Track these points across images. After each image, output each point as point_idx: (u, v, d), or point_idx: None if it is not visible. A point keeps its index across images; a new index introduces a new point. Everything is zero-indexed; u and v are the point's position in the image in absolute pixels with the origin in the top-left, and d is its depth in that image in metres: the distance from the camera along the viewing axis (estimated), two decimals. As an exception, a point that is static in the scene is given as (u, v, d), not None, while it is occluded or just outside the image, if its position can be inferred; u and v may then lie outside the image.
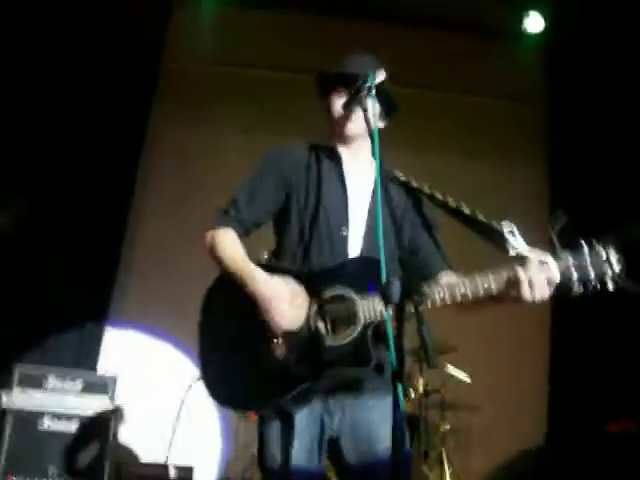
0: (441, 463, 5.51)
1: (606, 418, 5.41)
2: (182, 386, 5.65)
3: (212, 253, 2.40)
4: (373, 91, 2.15)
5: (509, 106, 6.77)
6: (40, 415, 4.81)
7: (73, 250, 5.92)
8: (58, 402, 4.88)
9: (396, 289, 1.71)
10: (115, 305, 6.23)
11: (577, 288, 1.98)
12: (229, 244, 2.38)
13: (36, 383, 4.94)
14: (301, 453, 2.21)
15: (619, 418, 5.31)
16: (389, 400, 2.18)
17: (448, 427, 5.70)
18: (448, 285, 2.10)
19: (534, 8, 6.61)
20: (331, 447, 2.29)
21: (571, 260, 1.99)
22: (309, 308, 2.19)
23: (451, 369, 5.64)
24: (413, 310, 1.67)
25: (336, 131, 2.50)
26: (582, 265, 1.98)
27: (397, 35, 6.70)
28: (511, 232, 2.02)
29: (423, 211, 2.47)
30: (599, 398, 5.70)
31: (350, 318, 2.12)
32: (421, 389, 5.56)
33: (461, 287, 2.08)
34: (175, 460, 5.02)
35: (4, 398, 4.76)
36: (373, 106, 2.15)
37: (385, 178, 1.97)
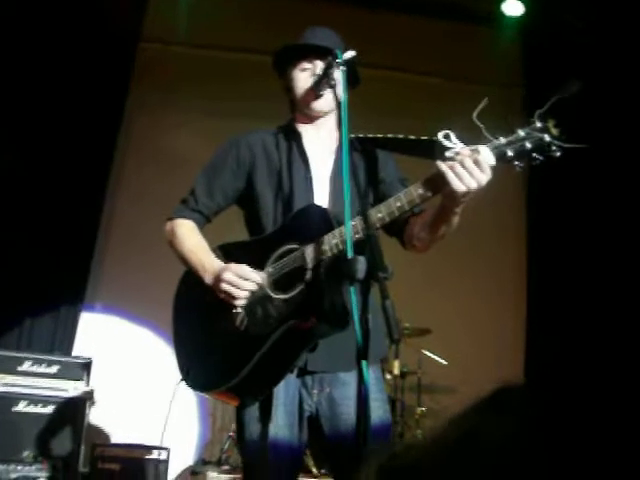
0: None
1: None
2: (157, 370, 5.68)
3: (171, 245, 2.44)
4: (343, 67, 2.14)
5: (487, 90, 6.79)
6: (15, 399, 4.79)
7: (49, 234, 5.91)
8: (33, 386, 4.86)
9: (362, 265, 1.70)
10: (91, 289, 6.20)
11: (517, 162, 1.87)
12: (188, 236, 2.41)
13: (11, 367, 4.92)
14: (281, 428, 2.21)
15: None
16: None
17: (424, 409, 5.75)
18: (384, 203, 2.03)
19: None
20: (311, 425, 2.29)
21: (504, 139, 1.88)
22: (262, 272, 2.20)
23: (427, 352, 5.70)
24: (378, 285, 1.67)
25: (300, 107, 2.50)
26: (517, 140, 1.86)
27: (375, 19, 6.70)
28: (446, 136, 1.93)
29: (388, 168, 2.48)
30: (574, 378, 5.76)
31: (300, 269, 2.11)
32: (397, 371, 5.60)
33: (397, 201, 2.00)
34: (151, 441, 5.01)
35: (-22, 382, 4.74)
36: (343, 82, 2.14)
37: (349, 148, 1.95)
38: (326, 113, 2.46)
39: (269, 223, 2.37)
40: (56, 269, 5.85)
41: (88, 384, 5.04)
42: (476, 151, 1.88)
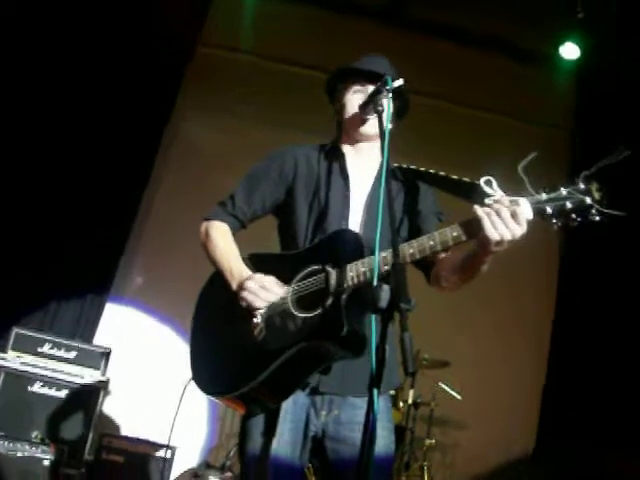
0: (422, 477, 5.51)
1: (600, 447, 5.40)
2: (174, 368, 5.70)
3: (204, 246, 2.46)
4: (391, 94, 2.15)
5: (536, 130, 6.75)
6: (31, 379, 4.87)
7: (85, 223, 6.00)
8: (50, 368, 4.92)
9: (385, 294, 1.69)
10: (119, 281, 6.26)
11: (555, 221, 1.85)
12: (221, 239, 2.43)
13: (31, 347, 5.00)
14: (285, 445, 2.20)
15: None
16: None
17: (433, 442, 5.69)
18: (417, 239, 2.03)
19: (570, 36, 6.58)
20: (315, 446, 2.28)
21: (545, 195, 1.86)
22: (287, 287, 2.21)
23: (443, 385, 5.65)
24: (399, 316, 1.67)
25: (347, 129, 2.51)
26: (558, 198, 1.85)
27: (433, 47, 6.72)
28: (488, 182, 1.91)
29: (426, 201, 2.47)
30: (592, 424, 5.67)
31: (325, 291, 2.11)
32: (410, 400, 5.56)
33: (430, 239, 1.99)
34: (159, 438, 5.03)
35: (-2, 357, 4.83)
36: (389, 109, 2.14)
37: (388, 176, 1.96)
38: (370, 137, 2.46)
39: (301, 236, 2.38)
40: (87, 257, 5.93)
41: (104, 374, 5.10)
42: (515, 203, 1.87)
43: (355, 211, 2.40)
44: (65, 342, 5.12)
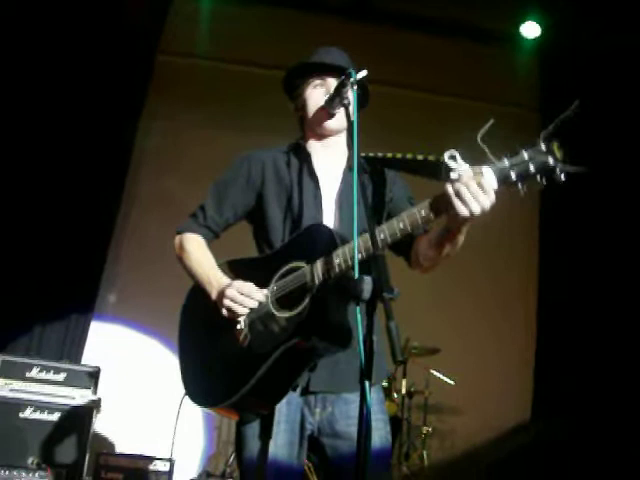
0: (422, 465, 5.53)
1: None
2: (165, 381, 5.69)
3: (180, 259, 2.46)
4: (356, 86, 2.14)
5: (503, 111, 6.78)
6: (22, 405, 4.80)
7: (62, 243, 5.96)
8: (40, 393, 4.87)
9: (367, 285, 1.70)
10: (101, 299, 6.23)
11: (521, 186, 1.80)
12: (196, 251, 2.42)
13: (19, 373, 4.93)
14: (282, 446, 2.20)
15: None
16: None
17: (430, 429, 5.72)
18: (387, 223, 2.00)
19: (531, 15, 6.63)
20: (312, 445, 2.28)
21: (507, 162, 1.81)
22: (266, 290, 2.20)
23: (435, 372, 5.68)
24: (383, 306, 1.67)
25: (312, 125, 2.50)
26: (520, 163, 1.80)
27: (390, 37, 6.73)
28: (452, 157, 1.87)
29: (396, 188, 2.47)
30: (583, 402, 5.72)
31: (303, 287, 2.11)
32: (404, 390, 5.58)
33: (399, 222, 1.97)
34: (156, 452, 5.01)
35: (-15, 386, 4.77)
36: (355, 101, 2.14)
37: (359, 168, 1.95)
38: (338, 132, 2.46)
39: (277, 241, 2.38)
40: (68, 278, 5.90)
41: (95, 393, 5.04)
42: (480, 173, 1.84)
43: (328, 209, 2.39)
44: (53, 364, 5.05)
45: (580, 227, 6.21)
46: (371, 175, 2.45)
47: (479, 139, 1.81)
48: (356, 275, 1.76)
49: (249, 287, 2.20)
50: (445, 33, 6.88)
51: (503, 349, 6.30)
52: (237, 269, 2.34)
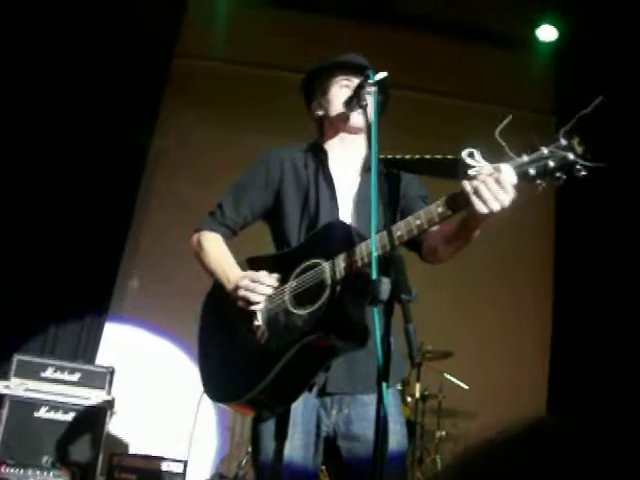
0: (435, 470, 5.51)
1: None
2: (179, 382, 5.71)
3: (197, 256, 2.46)
4: (375, 87, 2.15)
5: (519, 114, 6.74)
6: (37, 405, 4.84)
7: (78, 243, 5.99)
8: (55, 392, 4.90)
9: (386, 286, 1.69)
10: (116, 300, 6.25)
11: (540, 181, 1.78)
12: (214, 249, 2.43)
13: (34, 373, 4.96)
14: (297, 448, 2.20)
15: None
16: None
17: (444, 433, 5.70)
18: (404, 221, 1.99)
19: (547, 18, 6.60)
20: (327, 447, 2.28)
21: (526, 158, 1.80)
22: (284, 286, 2.21)
23: (448, 376, 5.65)
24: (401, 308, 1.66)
25: (334, 124, 2.51)
26: (540, 158, 1.78)
27: (409, 41, 6.72)
28: (470, 155, 1.85)
29: (412, 188, 2.48)
30: (599, 403, 5.68)
31: (321, 285, 2.10)
32: (418, 394, 5.56)
33: (416, 219, 1.96)
34: (169, 453, 5.02)
35: (1, 386, 4.79)
36: (374, 102, 2.14)
37: (377, 169, 1.95)
38: (357, 131, 2.47)
39: (294, 240, 2.39)
40: (83, 278, 5.92)
41: (109, 393, 5.07)
42: (498, 169, 1.82)
43: (344, 209, 2.40)
44: (68, 365, 5.09)
45: (595, 230, 6.16)
46: (386, 176, 2.45)
47: (497, 134, 1.80)
48: (374, 276, 1.75)
49: (258, 274, 2.21)
50: (461, 36, 6.85)
51: (517, 353, 6.26)
52: (256, 266, 2.33)
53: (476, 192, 1.83)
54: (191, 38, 6.77)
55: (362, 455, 2.20)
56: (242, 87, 6.67)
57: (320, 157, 2.49)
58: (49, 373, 5.00)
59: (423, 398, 5.66)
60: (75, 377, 5.04)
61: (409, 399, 5.49)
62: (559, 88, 6.97)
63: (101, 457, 4.83)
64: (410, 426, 5.39)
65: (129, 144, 6.27)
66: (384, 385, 1.64)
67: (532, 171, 1.79)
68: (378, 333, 1.67)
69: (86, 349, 5.94)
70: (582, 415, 0.64)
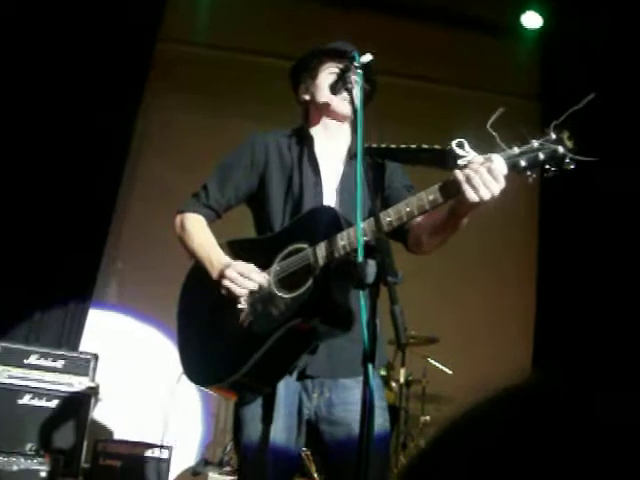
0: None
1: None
2: (163, 368, 5.70)
3: (180, 238, 2.45)
4: (360, 70, 2.14)
5: (505, 101, 6.77)
6: (20, 391, 4.81)
7: (61, 229, 5.95)
8: (39, 379, 4.88)
9: (372, 269, 1.69)
10: (100, 286, 6.22)
11: (530, 173, 1.85)
12: (197, 231, 2.42)
13: (18, 360, 4.94)
14: (279, 430, 2.21)
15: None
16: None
17: (428, 418, 5.73)
18: (393, 207, 2.02)
19: (532, 5, 6.61)
20: (310, 430, 2.29)
21: (517, 149, 1.86)
22: (268, 270, 2.21)
23: (432, 362, 5.68)
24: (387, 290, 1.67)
25: (321, 110, 2.50)
26: (530, 150, 1.84)
27: (393, 27, 6.70)
28: (460, 145, 1.89)
29: (396, 176, 2.49)
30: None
31: (306, 269, 2.11)
32: (402, 379, 5.58)
33: (406, 205, 1.98)
34: (153, 439, 5.02)
35: (-16, 373, 4.78)
36: (359, 85, 2.14)
37: (362, 153, 1.95)
38: (342, 117, 2.47)
39: (278, 224, 2.38)
40: (66, 264, 5.89)
41: (93, 380, 5.05)
42: (489, 160, 1.86)
43: (328, 194, 2.40)
44: (52, 352, 5.07)
45: (579, 216, 6.20)
46: (371, 164, 2.44)
47: (488, 126, 1.83)
48: (360, 258, 1.75)
49: (249, 268, 2.20)
50: (445, 23, 6.85)
51: (501, 340, 6.30)
52: (238, 249, 2.34)
53: (468, 180, 1.87)
54: (175, 23, 6.71)
55: (343, 439, 2.21)
56: (227, 73, 6.63)
57: (306, 142, 2.49)
58: (33, 360, 4.98)
59: (407, 383, 5.68)
60: (59, 364, 5.02)
61: (393, 384, 5.51)
62: (544, 75, 7.00)
63: (85, 444, 4.82)
64: (394, 411, 5.41)
65: (112, 129, 6.20)
66: (370, 367, 1.63)
67: (523, 162, 1.85)
68: (364, 316, 1.67)
69: (70, 336, 5.90)
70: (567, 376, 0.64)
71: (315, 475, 4.88)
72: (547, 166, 1.83)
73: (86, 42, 6.22)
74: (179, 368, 2.33)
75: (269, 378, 2.18)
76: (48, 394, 4.86)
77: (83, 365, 5.07)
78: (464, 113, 6.52)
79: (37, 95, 6.05)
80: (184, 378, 2.31)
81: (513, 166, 1.86)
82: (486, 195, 1.86)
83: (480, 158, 1.88)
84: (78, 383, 4.96)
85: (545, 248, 6.66)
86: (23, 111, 6.01)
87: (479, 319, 6.31)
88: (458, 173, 1.89)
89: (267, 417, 2.20)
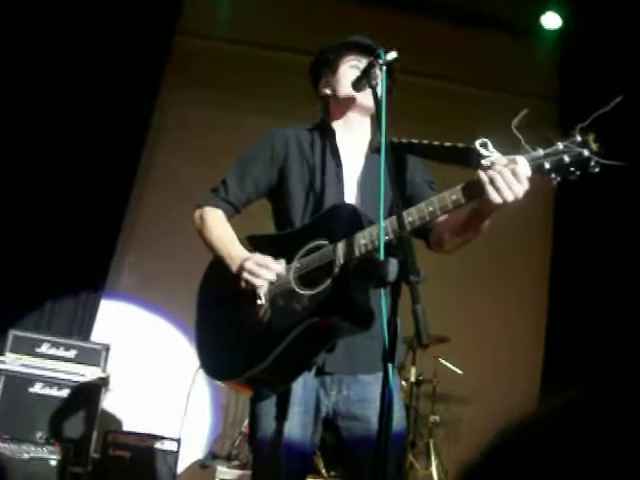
0: (428, 454, 5.54)
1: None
2: (174, 360, 5.71)
3: (200, 232, 2.45)
4: (385, 67, 2.13)
5: (523, 102, 6.72)
6: (32, 380, 4.85)
7: (75, 219, 5.96)
8: (50, 368, 4.90)
9: (393, 268, 1.68)
10: (113, 276, 6.23)
11: (554, 175, 1.82)
12: (217, 225, 2.42)
13: (29, 348, 4.96)
14: (295, 427, 2.20)
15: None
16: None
17: (437, 418, 5.72)
18: (416, 206, 2.01)
19: (552, 6, 6.57)
20: (328, 427, 2.29)
21: (542, 151, 1.84)
22: (289, 266, 2.21)
23: (443, 361, 5.67)
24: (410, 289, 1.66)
25: (341, 104, 2.49)
26: (555, 153, 1.82)
27: (413, 24, 6.67)
28: (484, 145, 1.87)
29: (417, 172, 2.48)
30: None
31: (327, 266, 2.11)
32: (413, 378, 5.58)
33: (429, 205, 1.97)
34: (163, 431, 5.03)
35: (-4, 361, 4.80)
36: (383, 82, 2.13)
37: (387, 149, 1.94)
38: (364, 111, 2.45)
39: (298, 219, 2.38)
40: (80, 255, 5.90)
41: (105, 370, 5.07)
42: (513, 161, 1.85)
43: (350, 189, 2.39)
44: (63, 341, 5.09)
45: (594, 220, 6.17)
46: (392, 159, 2.43)
47: (513, 127, 1.81)
48: (382, 256, 1.75)
49: (266, 259, 2.20)
50: (463, 21, 6.81)
51: (512, 341, 6.28)
52: (258, 245, 2.34)
53: (492, 181, 1.86)
54: (194, 16, 6.70)
55: (361, 435, 2.21)
56: (245, 68, 6.62)
57: (328, 136, 2.48)
58: (44, 349, 5.00)
59: (417, 383, 5.67)
60: (71, 353, 5.04)
61: (404, 383, 5.51)
62: (562, 76, 6.95)
63: (95, 434, 4.84)
64: (405, 409, 5.41)
65: (128, 122, 6.21)
66: (389, 365, 1.63)
67: (547, 165, 1.82)
68: (385, 314, 1.67)
69: (82, 326, 5.91)
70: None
71: (323, 471, 4.88)
72: (572, 169, 1.81)
73: (103, 34, 6.21)
74: (195, 361, 2.34)
75: (287, 374, 2.18)
76: (59, 383, 4.89)
77: (95, 355, 5.09)
78: (480, 112, 6.51)
79: (54, 88, 6.05)
80: (201, 372, 2.32)
81: (537, 168, 1.84)
82: (509, 197, 1.85)
83: (504, 159, 1.86)
84: (90, 373, 4.98)
85: (558, 251, 6.62)
86: (41, 104, 6.01)
87: (490, 320, 6.28)
88: (482, 174, 1.88)
89: (281, 414, 2.20)
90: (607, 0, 6.02)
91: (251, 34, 6.69)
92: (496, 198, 1.86)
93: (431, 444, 5.55)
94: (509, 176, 1.84)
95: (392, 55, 2.13)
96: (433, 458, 5.50)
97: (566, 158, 1.80)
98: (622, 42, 6.13)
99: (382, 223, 1.85)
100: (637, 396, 0.58)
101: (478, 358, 5.92)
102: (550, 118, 6.70)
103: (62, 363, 4.97)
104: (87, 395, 4.92)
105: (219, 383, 2.35)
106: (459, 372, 5.65)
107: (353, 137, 2.49)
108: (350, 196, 2.38)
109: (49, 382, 4.87)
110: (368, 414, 2.19)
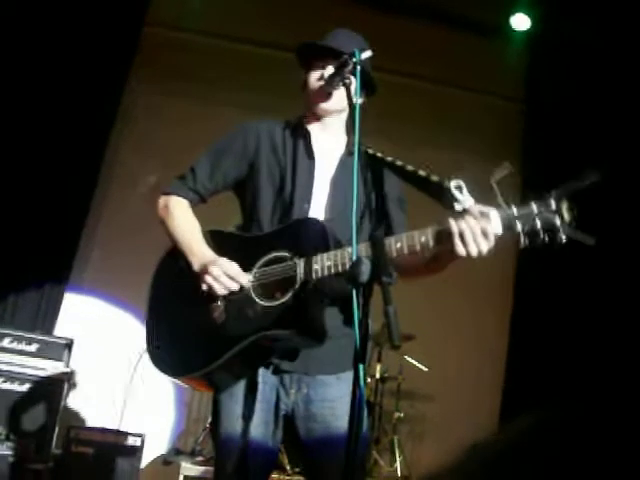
0: (392, 450, 5.57)
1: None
2: (138, 356, 5.65)
3: (163, 221, 2.42)
4: (358, 67, 2.10)
5: (489, 101, 6.78)
6: (-8, 374, 4.75)
7: (38, 213, 5.86)
8: (12, 363, 4.81)
9: (366, 268, 1.68)
10: (76, 270, 6.15)
11: (523, 239, 1.85)
12: (182, 216, 2.39)
13: (-10, 342, 4.87)
14: (257, 425, 2.20)
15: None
16: (344, 377, 2.22)
17: (402, 415, 5.76)
18: (385, 239, 2.00)
19: (521, 7, 6.63)
20: (286, 425, 2.28)
21: (516, 211, 1.86)
22: (250, 272, 2.19)
23: (409, 359, 5.70)
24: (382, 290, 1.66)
25: (310, 105, 2.45)
26: (528, 215, 1.84)
27: (384, 22, 6.67)
28: (458, 188, 1.89)
29: (391, 185, 2.44)
30: (554, 390, 5.78)
31: (288, 280, 2.11)
32: (378, 375, 5.60)
33: (397, 241, 1.98)
34: (126, 427, 4.98)
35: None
36: (357, 81, 2.11)
37: (360, 154, 1.93)
38: (331, 113, 2.42)
39: (265, 217, 2.34)
40: (43, 248, 5.81)
41: (68, 365, 5.00)
42: (486, 217, 1.87)
43: (321, 191, 2.37)
44: (26, 335, 4.99)
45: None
46: (368, 167, 2.40)
47: (492, 183, 1.83)
48: (354, 257, 1.74)
49: (235, 270, 2.18)
50: (436, 21, 6.84)
51: (477, 340, 6.34)
52: (219, 242, 2.32)
53: (461, 235, 1.89)
54: (163, 6, 6.62)
55: (319, 435, 2.22)
56: (215, 60, 6.56)
57: (302, 135, 2.44)
58: (6, 343, 4.91)
59: (382, 379, 5.70)
60: (33, 348, 4.95)
61: (369, 380, 5.53)
62: (530, 77, 7.02)
63: (57, 430, 4.77)
64: (368, 406, 5.43)
65: (94, 114, 6.13)
66: (361, 367, 1.62)
67: (519, 226, 1.86)
68: (356, 314, 1.66)
69: (45, 320, 5.83)
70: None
71: (287, 467, 4.88)
72: (542, 235, 1.84)
73: (69, 24, 6.11)
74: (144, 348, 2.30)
75: (241, 373, 2.21)
76: (21, 378, 4.80)
77: (58, 349, 5.01)
78: (451, 111, 6.56)
79: (18, 79, 5.93)
80: (141, 363, 2.30)
81: (508, 227, 1.87)
82: (474, 252, 1.90)
83: (477, 210, 1.88)
84: (52, 368, 4.90)
85: (524, 252, 6.67)
86: (3, 96, 5.89)
87: (456, 319, 6.32)
88: (453, 225, 1.89)
89: (244, 411, 2.19)
90: (576, 3, 6.09)
91: (222, 26, 6.64)
92: (461, 251, 1.90)
93: (395, 441, 5.59)
94: (479, 233, 1.88)
95: (366, 54, 2.12)
96: (397, 455, 5.53)
97: (538, 223, 1.83)
98: (590, 45, 6.21)
99: (355, 227, 1.83)
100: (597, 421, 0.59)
101: (443, 356, 5.96)
102: (517, 118, 6.79)
103: (24, 357, 4.88)
104: (49, 390, 4.83)
105: (171, 379, 2.28)
106: (424, 369, 5.69)
107: (327, 139, 2.45)
108: (321, 197, 2.35)
109: (10, 376, 4.77)
110: (326, 414, 2.21)
